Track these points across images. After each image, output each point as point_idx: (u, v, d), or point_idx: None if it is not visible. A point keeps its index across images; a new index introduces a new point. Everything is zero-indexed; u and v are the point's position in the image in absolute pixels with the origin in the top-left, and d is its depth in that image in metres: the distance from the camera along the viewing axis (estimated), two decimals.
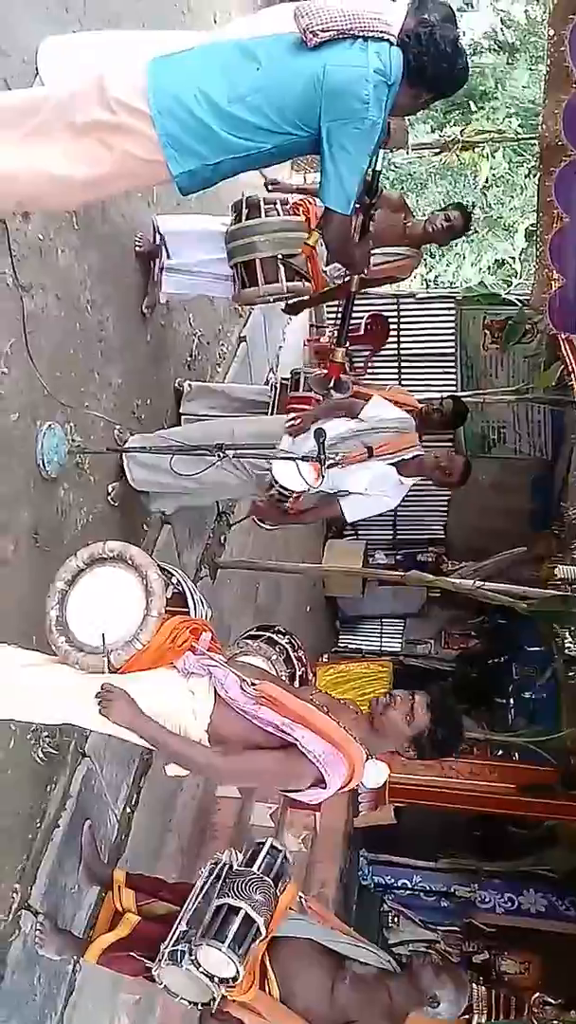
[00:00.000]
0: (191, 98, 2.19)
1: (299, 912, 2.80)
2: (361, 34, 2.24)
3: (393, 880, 6.66)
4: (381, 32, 2.25)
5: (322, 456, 3.24)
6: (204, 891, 2.66)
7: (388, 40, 2.26)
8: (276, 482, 3.49)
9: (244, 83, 2.22)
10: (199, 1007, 2.66)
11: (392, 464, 3.67)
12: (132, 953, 2.84)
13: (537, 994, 5.47)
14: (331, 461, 3.36)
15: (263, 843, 2.73)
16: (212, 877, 2.68)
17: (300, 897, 2.84)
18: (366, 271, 3.59)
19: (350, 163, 2.37)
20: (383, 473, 3.68)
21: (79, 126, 2.19)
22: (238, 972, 2.44)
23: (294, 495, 3.54)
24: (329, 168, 2.36)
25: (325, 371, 3.77)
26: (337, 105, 2.24)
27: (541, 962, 5.84)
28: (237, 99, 2.21)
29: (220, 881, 2.64)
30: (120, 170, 2.26)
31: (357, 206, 2.59)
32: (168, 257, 3.69)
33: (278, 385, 4.29)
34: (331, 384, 3.52)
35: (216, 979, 2.49)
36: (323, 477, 3.45)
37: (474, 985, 5.56)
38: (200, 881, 2.72)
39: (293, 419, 3.72)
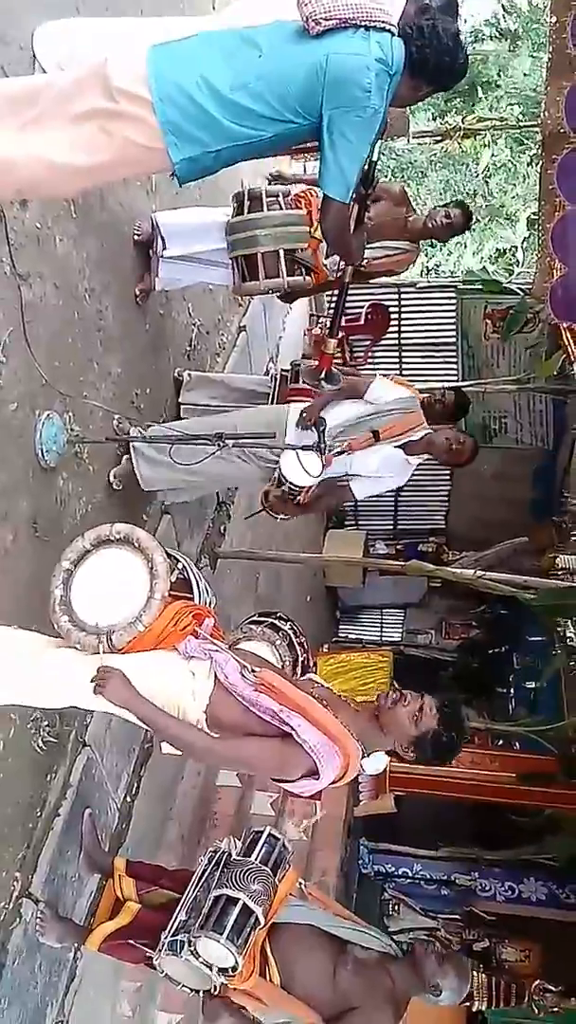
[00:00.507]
0: (192, 85, 2.18)
1: (299, 899, 2.82)
2: (363, 24, 2.24)
3: (394, 868, 6.67)
4: (383, 22, 2.26)
5: (322, 444, 3.24)
6: (203, 880, 2.67)
7: (390, 31, 2.27)
8: (285, 479, 3.47)
9: (246, 70, 2.21)
10: (200, 994, 2.69)
11: (399, 446, 3.68)
12: (132, 941, 2.85)
13: (537, 981, 5.47)
14: (338, 448, 3.37)
15: (261, 832, 2.74)
16: (211, 866, 2.69)
17: (300, 883, 2.86)
18: (364, 264, 3.56)
19: (351, 151, 2.36)
20: (390, 454, 3.70)
21: (79, 113, 2.18)
22: (237, 962, 2.46)
23: (304, 489, 3.54)
24: (329, 156, 2.36)
25: (316, 362, 3.75)
26: (339, 93, 2.24)
27: (541, 950, 5.85)
28: (239, 86, 2.21)
29: (219, 870, 2.65)
30: (120, 157, 2.25)
31: (354, 195, 2.58)
32: (165, 247, 3.68)
33: (278, 376, 4.27)
34: (322, 375, 3.50)
35: (216, 969, 2.51)
36: (328, 464, 3.44)
37: (475, 972, 5.57)
38: (199, 869, 2.74)
39: (304, 412, 3.68)
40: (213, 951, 2.49)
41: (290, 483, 3.47)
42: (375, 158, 2.61)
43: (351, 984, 2.67)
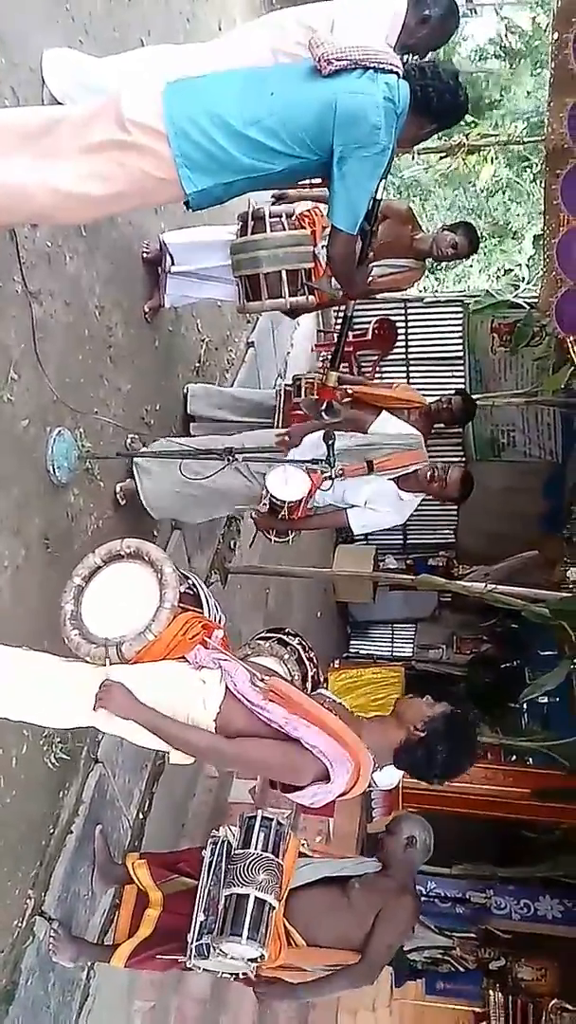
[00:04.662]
0: (206, 120, 2.26)
1: (306, 859, 3.06)
2: (372, 65, 2.36)
3: None
4: (389, 65, 2.38)
5: (331, 459, 3.23)
6: (212, 871, 2.79)
7: (396, 73, 2.40)
8: (268, 492, 3.47)
9: (259, 107, 2.31)
10: (240, 976, 2.94)
11: (392, 479, 3.63)
12: (161, 949, 2.94)
13: (554, 1000, 5.42)
14: (330, 472, 3.35)
15: (254, 817, 2.79)
16: (216, 857, 2.81)
17: (302, 846, 3.08)
18: (369, 281, 3.57)
19: (360, 186, 2.46)
20: (383, 489, 3.64)
21: (93, 144, 2.24)
22: (263, 952, 2.62)
23: (288, 504, 3.50)
24: (340, 189, 2.45)
25: (316, 396, 3.74)
26: (350, 131, 2.33)
27: (558, 968, 5.78)
28: (252, 122, 2.29)
29: (225, 862, 2.77)
30: (133, 188, 2.30)
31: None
32: (173, 263, 3.71)
33: (282, 392, 4.28)
34: (323, 408, 3.50)
35: (245, 960, 2.68)
36: (316, 483, 3.43)
37: (491, 992, 5.54)
38: (206, 861, 2.85)
39: (282, 433, 3.69)
40: (238, 951, 2.62)
41: (272, 495, 3.46)
42: (378, 196, 2.68)
43: (367, 897, 3.00)
